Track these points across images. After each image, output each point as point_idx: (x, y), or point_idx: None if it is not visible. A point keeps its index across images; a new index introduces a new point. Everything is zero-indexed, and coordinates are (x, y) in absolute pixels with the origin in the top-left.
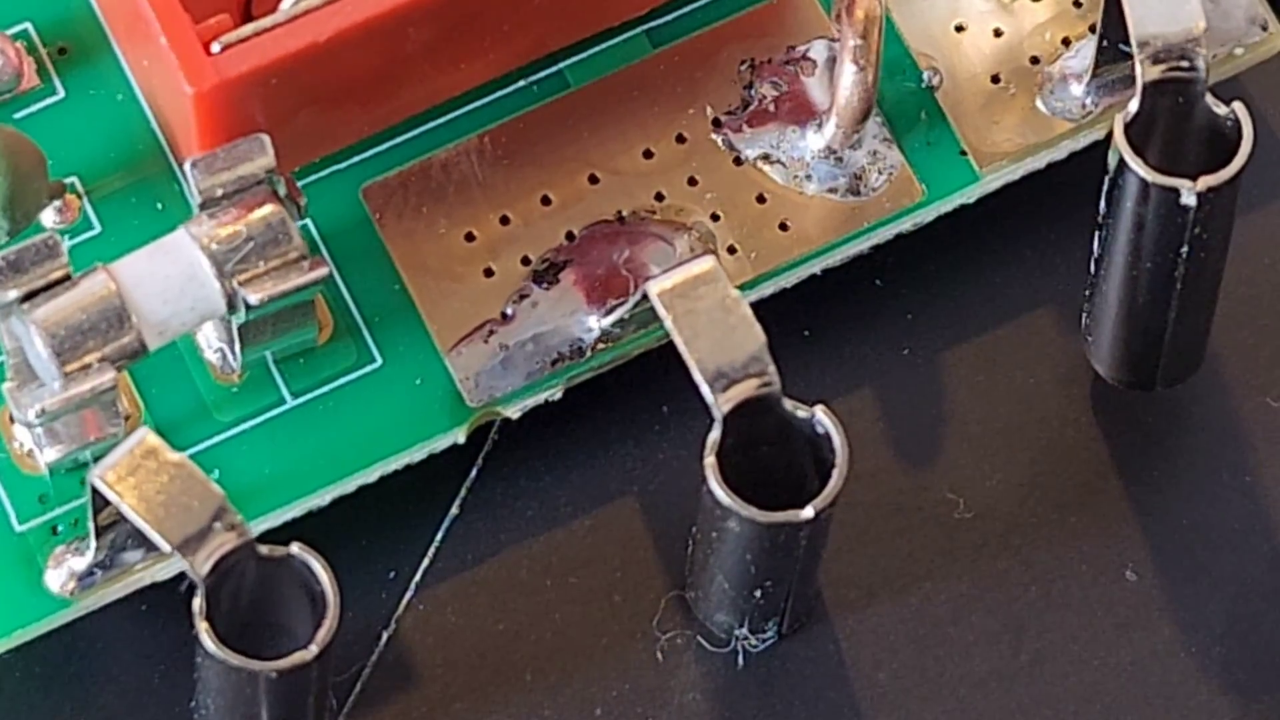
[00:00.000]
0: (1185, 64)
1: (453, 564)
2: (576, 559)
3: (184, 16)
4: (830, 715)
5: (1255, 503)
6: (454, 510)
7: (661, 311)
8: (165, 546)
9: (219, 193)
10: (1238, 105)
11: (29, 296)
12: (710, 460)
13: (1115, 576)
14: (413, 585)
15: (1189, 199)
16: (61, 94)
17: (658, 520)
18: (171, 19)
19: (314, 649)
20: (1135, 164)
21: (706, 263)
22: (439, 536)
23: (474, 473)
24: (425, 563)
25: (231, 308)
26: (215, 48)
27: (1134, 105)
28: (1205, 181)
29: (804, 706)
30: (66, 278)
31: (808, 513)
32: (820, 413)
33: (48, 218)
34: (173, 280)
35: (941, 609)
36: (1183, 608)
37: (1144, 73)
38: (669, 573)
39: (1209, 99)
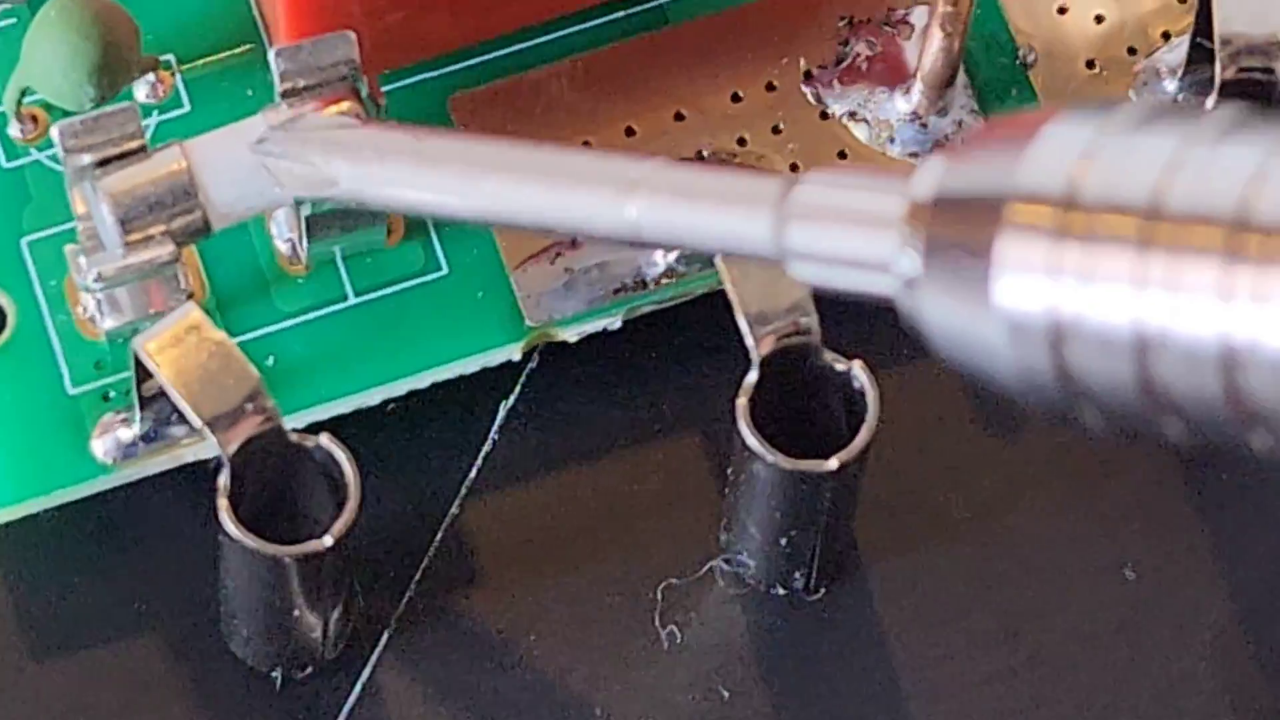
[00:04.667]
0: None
1: (497, 475)
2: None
3: None
4: (826, 714)
5: (1255, 502)
6: (500, 418)
7: None
8: (195, 420)
9: (300, 84)
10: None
11: (103, 163)
12: (742, 401)
13: (1115, 576)
14: (460, 492)
15: None
16: None
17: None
18: None
19: (329, 540)
20: None
21: None
22: (485, 448)
23: (518, 390)
24: (474, 470)
25: (297, 199)
26: None
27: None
28: None
29: (801, 702)
30: (141, 149)
31: (831, 464)
32: (857, 367)
33: (140, 91)
34: (243, 164)
35: (941, 609)
36: (1183, 608)
37: (1223, 70)
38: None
39: None
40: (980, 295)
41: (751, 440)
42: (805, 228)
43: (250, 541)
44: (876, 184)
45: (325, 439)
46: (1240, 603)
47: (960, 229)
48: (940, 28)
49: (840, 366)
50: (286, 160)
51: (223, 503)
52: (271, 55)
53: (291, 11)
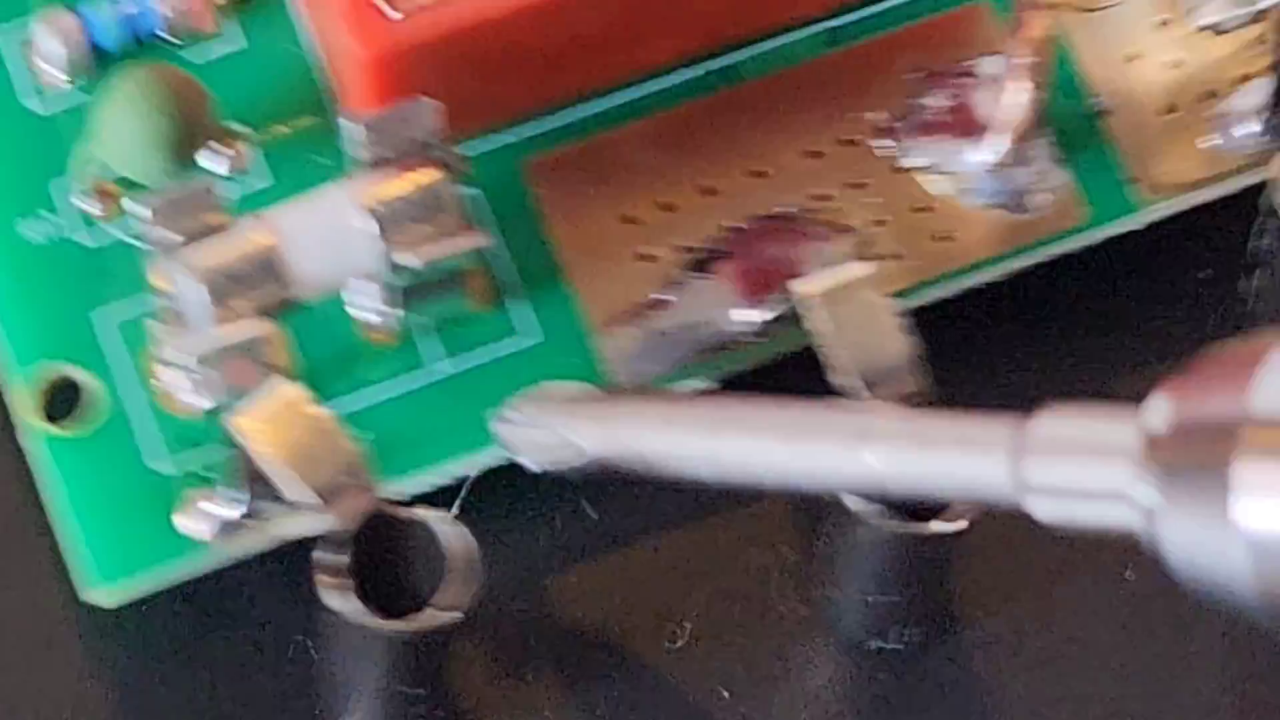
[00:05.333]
0: None
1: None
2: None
3: None
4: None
5: None
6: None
7: (808, 311)
8: (306, 499)
9: (384, 154)
10: None
11: (186, 241)
12: None
13: (1115, 576)
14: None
15: None
16: (242, 43)
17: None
18: None
19: (459, 614)
20: None
21: (859, 267)
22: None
23: None
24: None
25: (388, 269)
26: (394, 14)
27: None
28: None
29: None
30: (224, 224)
31: (951, 528)
32: None
33: (215, 162)
34: (330, 237)
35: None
36: (1183, 608)
37: None
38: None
39: None
40: (1221, 520)
41: (853, 503)
42: (1042, 462)
43: (377, 622)
44: (1107, 417)
45: (434, 515)
46: None
47: (1196, 457)
48: (1021, 79)
49: None
50: (531, 429)
51: (350, 583)
52: (357, 126)
53: (369, 82)
